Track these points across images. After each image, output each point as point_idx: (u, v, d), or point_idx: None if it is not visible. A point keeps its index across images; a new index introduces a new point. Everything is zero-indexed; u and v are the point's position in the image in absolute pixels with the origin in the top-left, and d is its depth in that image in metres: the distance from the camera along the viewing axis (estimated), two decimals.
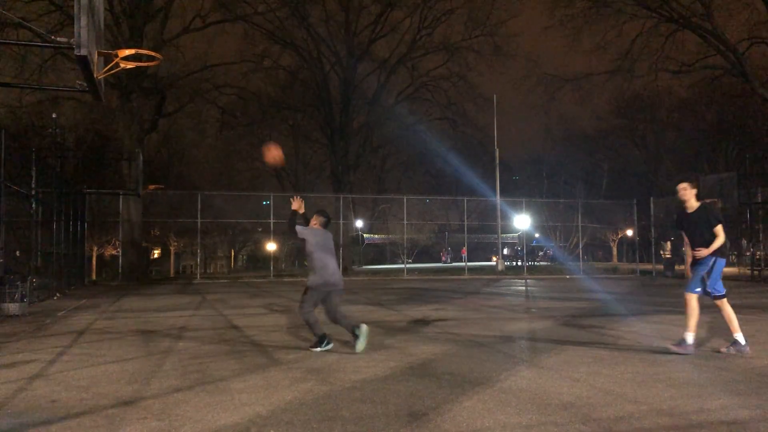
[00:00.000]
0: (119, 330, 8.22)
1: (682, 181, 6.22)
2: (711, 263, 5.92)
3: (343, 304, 12.05)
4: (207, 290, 17.29)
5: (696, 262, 6.05)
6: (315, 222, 6.43)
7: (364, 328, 6.10)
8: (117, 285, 20.87)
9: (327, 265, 6.17)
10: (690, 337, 5.91)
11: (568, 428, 3.53)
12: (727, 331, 6.12)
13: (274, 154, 6.81)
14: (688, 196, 6.13)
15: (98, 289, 18.70)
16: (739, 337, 5.96)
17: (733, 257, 29.38)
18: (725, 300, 5.98)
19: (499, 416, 3.78)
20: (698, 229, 6.06)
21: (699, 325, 6.12)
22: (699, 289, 5.98)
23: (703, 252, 5.92)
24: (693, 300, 5.97)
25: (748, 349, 5.91)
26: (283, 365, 5.54)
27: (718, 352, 6.00)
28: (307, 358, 5.89)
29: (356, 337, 6.06)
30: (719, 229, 5.90)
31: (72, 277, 18.12)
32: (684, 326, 5.97)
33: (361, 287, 18.64)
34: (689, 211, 6.14)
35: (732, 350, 5.93)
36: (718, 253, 5.94)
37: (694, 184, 6.19)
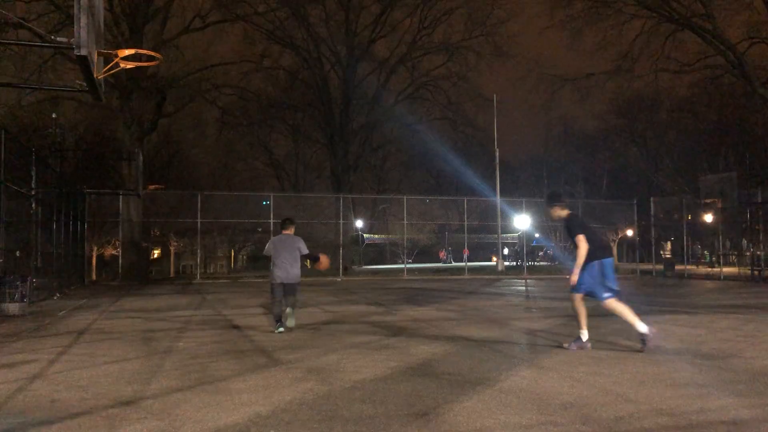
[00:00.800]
0: (119, 330, 8.22)
1: (546, 205, 6.50)
2: (598, 267, 6.01)
3: (343, 305, 12.13)
4: (207, 290, 17.29)
5: (586, 268, 6.06)
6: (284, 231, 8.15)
7: (288, 323, 7.78)
8: (117, 285, 20.85)
9: (275, 264, 7.82)
10: (584, 335, 6.14)
11: (568, 428, 3.53)
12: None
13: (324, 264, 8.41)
14: (557, 213, 6.35)
15: (98, 289, 18.69)
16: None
17: (733, 257, 29.36)
18: (614, 300, 6.07)
19: (500, 416, 3.78)
20: (570, 238, 6.23)
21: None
22: (583, 288, 6.11)
23: (573, 278, 6.04)
24: (578, 298, 6.17)
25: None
26: (283, 365, 5.54)
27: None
28: (307, 358, 5.90)
29: (288, 317, 7.81)
30: (579, 239, 5.99)
31: (72, 277, 18.12)
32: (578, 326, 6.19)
33: (360, 287, 18.64)
34: (565, 222, 6.39)
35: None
36: (598, 256, 6.02)
37: (554, 202, 6.38)
